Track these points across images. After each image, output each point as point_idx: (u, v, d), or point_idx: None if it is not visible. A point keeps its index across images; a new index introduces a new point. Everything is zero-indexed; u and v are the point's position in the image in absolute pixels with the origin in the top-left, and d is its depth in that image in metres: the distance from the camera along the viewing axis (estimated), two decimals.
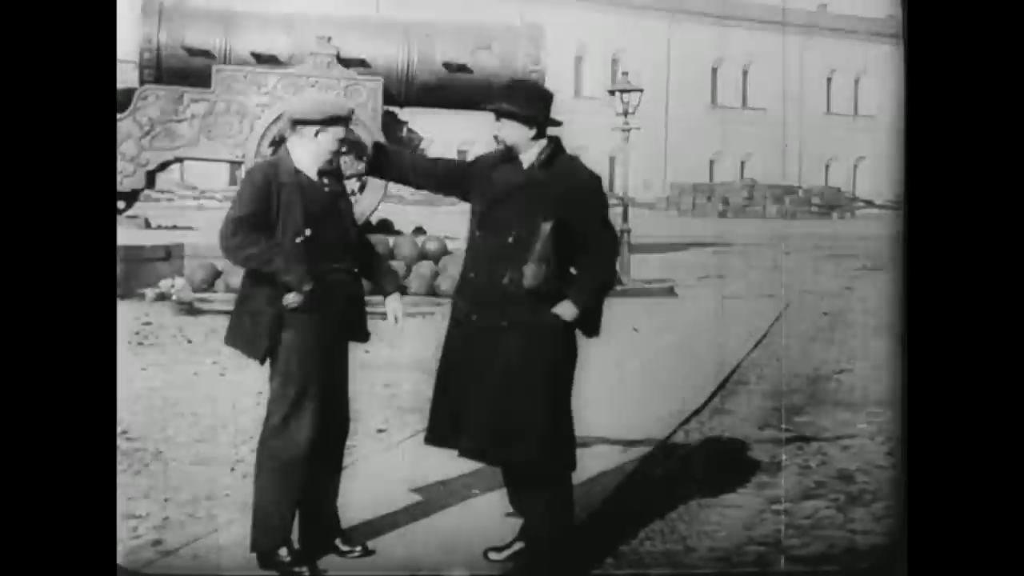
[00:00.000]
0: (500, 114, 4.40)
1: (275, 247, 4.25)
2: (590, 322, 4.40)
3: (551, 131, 4.43)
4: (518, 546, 4.50)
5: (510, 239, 4.31)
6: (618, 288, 11.01)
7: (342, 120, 4.38)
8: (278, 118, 12.24)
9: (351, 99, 13.19)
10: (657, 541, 4.78)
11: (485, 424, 4.31)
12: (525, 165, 4.40)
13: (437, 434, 4.45)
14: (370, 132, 13.25)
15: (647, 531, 4.87)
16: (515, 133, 4.39)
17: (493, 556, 4.52)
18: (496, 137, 4.44)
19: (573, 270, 4.36)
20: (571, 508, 4.45)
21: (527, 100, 4.41)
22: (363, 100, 13.41)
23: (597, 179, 4.44)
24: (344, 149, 4.48)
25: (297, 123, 4.37)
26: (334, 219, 4.41)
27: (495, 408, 4.30)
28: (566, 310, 4.31)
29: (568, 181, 4.37)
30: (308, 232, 4.29)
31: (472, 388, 4.34)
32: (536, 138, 4.40)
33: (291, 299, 4.26)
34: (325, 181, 4.41)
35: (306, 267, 4.26)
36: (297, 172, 4.35)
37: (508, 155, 4.42)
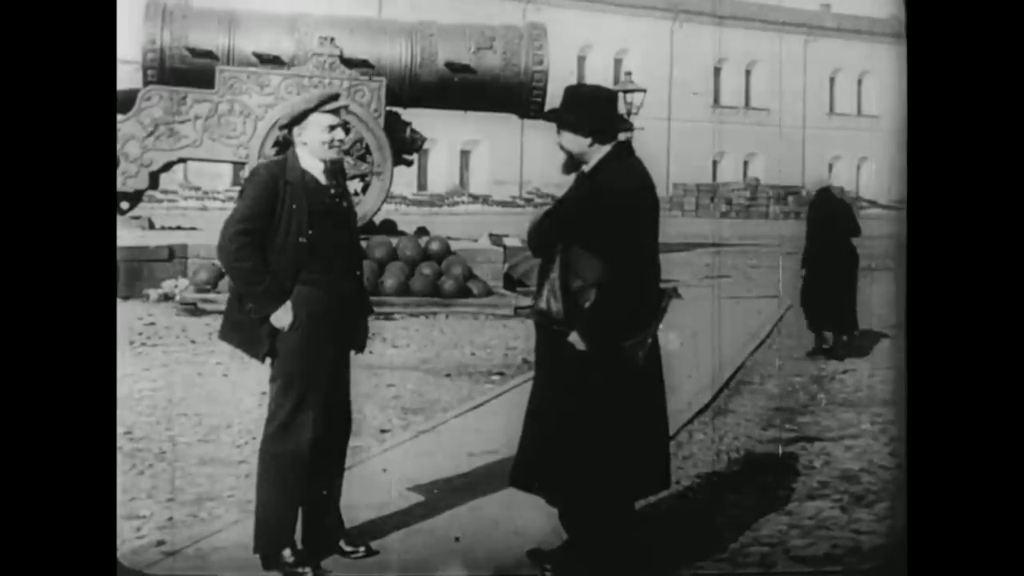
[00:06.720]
0: (557, 124, 4.18)
1: (263, 273, 4.25)
2: (613, 353, 4.04)
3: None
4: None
5: (538, 260, 4.16)
6: None
7: (322, 104, 4.36)
8: (275, 125, 12.26)
9: (354, 99, 13.20)
10: (660, 542, 4.77)
11: (532, 460, 4.21)
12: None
13: (517, 475, 4.31)
14: (373, 133, 13.28)
15: (649, 532, 4.86)
16: (571, 142, 4.16)
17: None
18: (561, 146, 4.20)
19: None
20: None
21: (577, 106, 4.15)
22: (366, 100, 13.42)
23: (634, 196, 4.08)
24: (342, 137, 4.46)
25: (285, 127, 4.39)
26: (338, 221, 4.41)
27: (537, 443, 4.19)
28: (575, 340, 4.03)
29: (605, 198, 4.05)
30: (310, 233, 4.29)
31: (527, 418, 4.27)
32: (601, 144, 4.14)
33: (279, 322, 4.27)
34: (330, 183, 4.41)
35: (285, 302, 4.26)
36: (303, 173, 4.36)
37: (573, 165, 4.20)
